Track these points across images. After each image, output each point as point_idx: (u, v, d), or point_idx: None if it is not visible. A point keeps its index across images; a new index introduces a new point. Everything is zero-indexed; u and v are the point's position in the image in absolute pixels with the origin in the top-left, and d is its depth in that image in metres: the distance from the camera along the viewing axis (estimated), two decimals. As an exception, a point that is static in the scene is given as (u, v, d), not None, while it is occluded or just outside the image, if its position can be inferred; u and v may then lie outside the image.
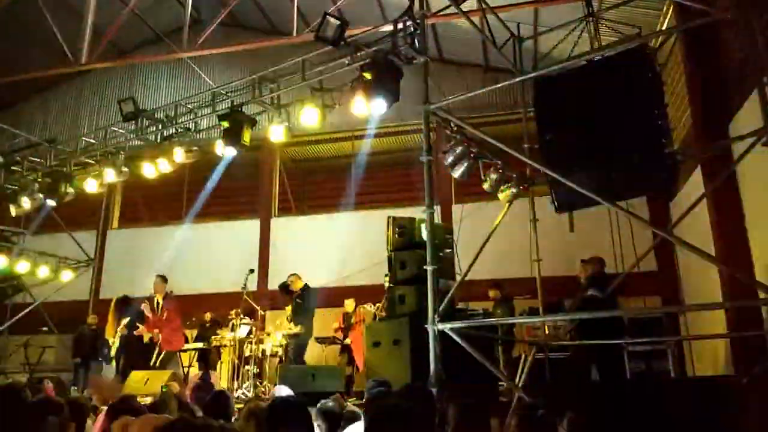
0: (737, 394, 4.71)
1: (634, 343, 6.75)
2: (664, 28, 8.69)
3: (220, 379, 9.38)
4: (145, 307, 8.80)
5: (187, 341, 9.80)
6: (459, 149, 6.94)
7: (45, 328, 11.12)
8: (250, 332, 8.99)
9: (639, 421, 4.28)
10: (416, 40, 6.14)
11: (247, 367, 9.01)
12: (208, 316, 10.53)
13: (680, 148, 7.67)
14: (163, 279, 9.03)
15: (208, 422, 2.47)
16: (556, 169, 4.77)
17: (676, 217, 8.42)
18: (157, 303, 8.84)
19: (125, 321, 9.02)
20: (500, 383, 6.37)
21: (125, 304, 9.26)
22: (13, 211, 9.45)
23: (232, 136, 7.42)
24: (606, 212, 5.26)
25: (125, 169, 8.61)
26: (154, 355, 8.63)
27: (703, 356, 8.56)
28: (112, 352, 9.16)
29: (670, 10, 8.39)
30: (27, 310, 11.10)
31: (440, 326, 4.84)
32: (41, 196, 8.92)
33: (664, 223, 9.86)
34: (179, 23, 12.62)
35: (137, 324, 8.86)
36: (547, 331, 7.49)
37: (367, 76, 6.23)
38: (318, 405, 3.80)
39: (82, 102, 13.73)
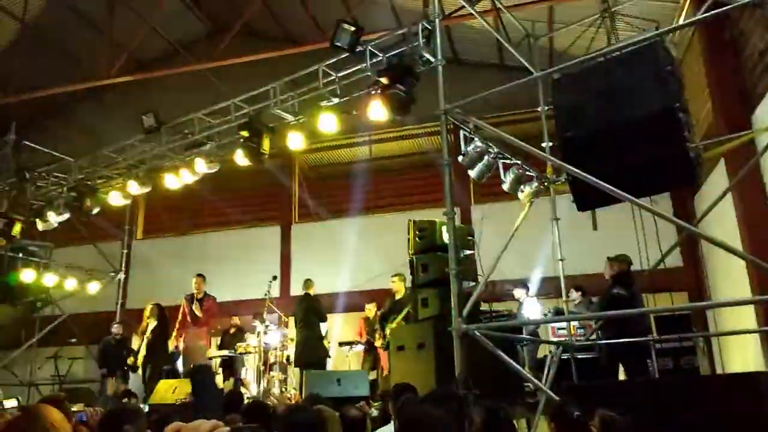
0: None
1: (661, 340, 6.66)
2: (681, 21, 8.57)
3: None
4: (186, 300, 8.89)
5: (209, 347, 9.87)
6: (477, 150, 6.92)
7: (73, 340, 11.25)
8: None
9: (668, 419, 4.22)
10: (431, 43, 6.14)
11: (272, 373, 9.08)
12: (235, 320, 10.60)
13: (702, 142, 7.55)
14: (204, 278, 9.11)
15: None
16: (577, 166, 4.71)
17: (700, 211, 8.30)
18: (198, 300, 8.91)
19: (152, 325, 9.14)
20: (526, 384, 6.33)
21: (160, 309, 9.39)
22: (40, 226, 9.62)
23: (251, 145, 7.50)
24: (630, 209, 5.18)
25: (148, 182, 8.72)
26: (181, 363, 8.70)
27: (732, 352, 8.40)
28: (139, 361, 9.25)
29: (687, 3, 8.27)
30: (56, 323, 11.26)
31: (465, 329, 4.82)
32: (67, 210, 9.07)
33: (689, 218, 9.74)
34: (196, 35, 12.86)
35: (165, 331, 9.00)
36: (573, 331, 7.41)
37: (384, 81, 6.25)
38: (341, 411, 3.81)
39: (103, 116, 13.90)
